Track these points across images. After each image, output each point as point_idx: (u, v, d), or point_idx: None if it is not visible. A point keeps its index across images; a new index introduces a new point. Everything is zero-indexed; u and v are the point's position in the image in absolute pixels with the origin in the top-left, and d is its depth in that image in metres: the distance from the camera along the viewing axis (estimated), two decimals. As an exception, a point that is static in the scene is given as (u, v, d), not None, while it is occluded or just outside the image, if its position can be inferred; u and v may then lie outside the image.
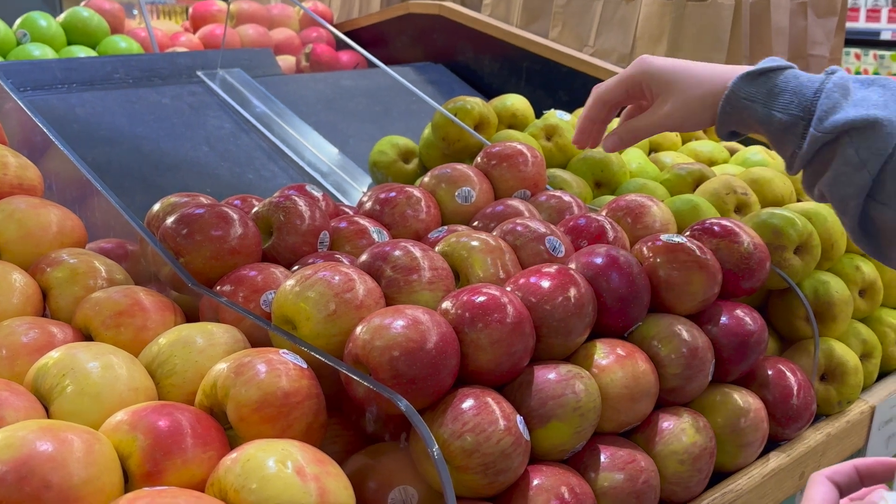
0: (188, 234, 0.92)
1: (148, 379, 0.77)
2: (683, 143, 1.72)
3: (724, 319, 0.97)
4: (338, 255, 0.95)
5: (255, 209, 1.02)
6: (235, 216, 0.95)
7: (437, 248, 0.93)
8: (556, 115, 1.62)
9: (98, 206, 1.07)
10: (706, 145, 1.66)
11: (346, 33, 2.33)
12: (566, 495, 0.76)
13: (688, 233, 1.05)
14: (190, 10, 2.53)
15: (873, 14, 4.38)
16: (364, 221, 1.05)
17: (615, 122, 1.00)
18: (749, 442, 0.95)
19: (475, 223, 1.10)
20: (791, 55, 2.09)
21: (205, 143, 1.61)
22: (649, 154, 1.64)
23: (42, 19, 2.10)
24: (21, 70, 1.65)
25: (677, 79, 0.84)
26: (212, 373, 0.74)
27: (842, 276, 1.17)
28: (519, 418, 0.76)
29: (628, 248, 1.03)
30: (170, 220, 0.94)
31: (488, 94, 2.02)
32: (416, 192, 1.12)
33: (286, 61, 2.35)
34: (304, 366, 0.75)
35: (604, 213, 1.11)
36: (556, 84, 2.01)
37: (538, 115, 1.62)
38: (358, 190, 1.59)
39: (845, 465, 0.62)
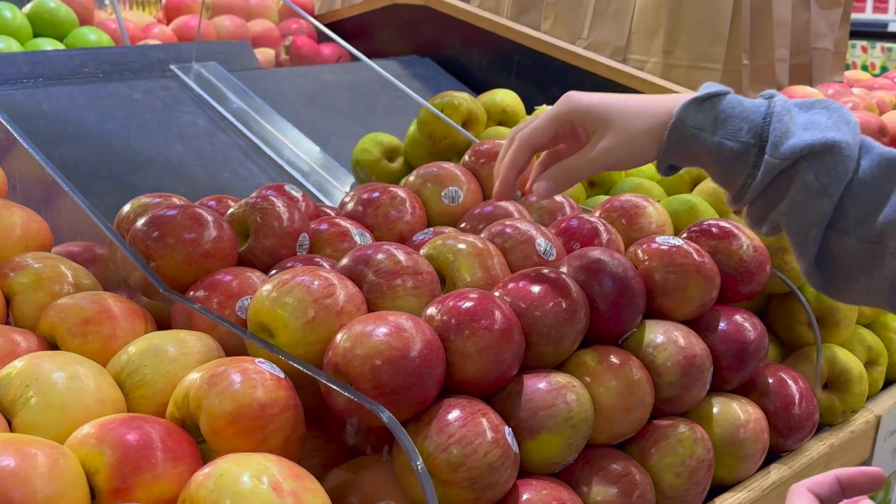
0: (160, 237, 0.92)
1: (116, 390, 0.77)
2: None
3: (722, 325, 0.97)
4: (317, 259, 0.95)
5: (230, 210, 1.01)
6: (210, 218, 0.94)
7: (422, 251, 0.93)
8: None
9: (65, 208, 1.06)
10: (705, 143, 1.67)
11: (327, 25, 2.32)
12: (557, 510, 0.76)
13: (685, 235, 1.05)
14: (163, 0, 2.53)
15: (881, 4, 4.41)
16: (346, 223, 1.05)
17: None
18: (749, 454, 0.95)
19: (462, 225, 1.10)
20: (794, 48, 2.11)
21: (178, 141, 1.60)
22: (645, 152, 1.65)
23: (6, 10, 2.09)
24: (-16, 63, 1.65)
25: (616, 112, 0.81)
26: (184, 383, 0.74)
27: (846, 280, 1.18)
28: (507, 430, 0.76)
29: (623, 251, 1.03)
30: (140, 221, 0.94)
31: (477, 89, 2.02)
32: (401, 193, 1.12)
33: (265, 54, 2.35)
34: (282, 375, 0.75)
35: (597, 215, 1.11)
36: (548, 79, 2.01)
37: (529, 111, 1.62)
38: (340, 190, 1.59)
39: (826, 476, 0.63)
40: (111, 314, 0.86)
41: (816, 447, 1.05)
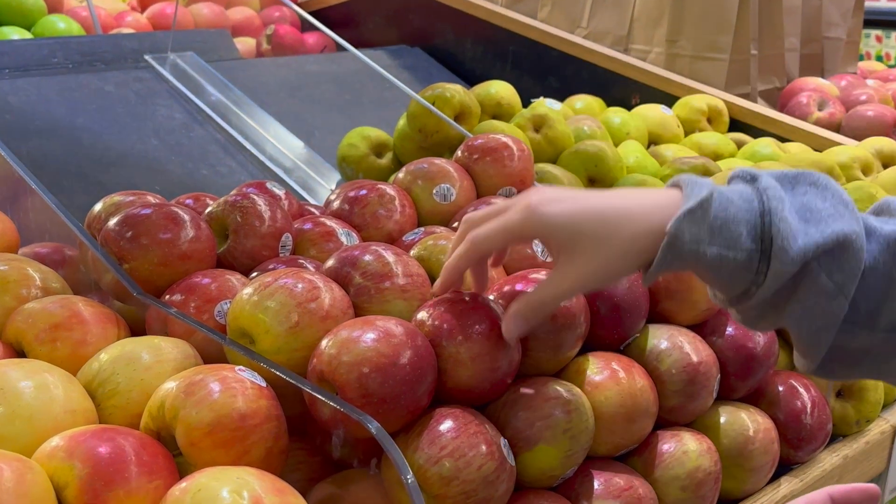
0: (133, 238, 0.92)
1: (87, 400, 0.77)
2: (686, 134, 1.73)
3: (729, 330, 0.97)
4: (301, 261, 0.95)
5: (208, 209, 1.01)
6: (187, 217, 0.94)
7: (412, 252, 0.93)
8: (545, 104, 1.62)
9: (32, 206, 1.06)
10: (711, 137, 1.68)
11: (311, 13, 2.32)
12: (555, 526, 0.76)
13: (690, 234, 1.05)
14: (137, -14, 2.53)
15: (896, -8, 4.42)
16: (331, 223, 1.05)
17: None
18: (758, 466, 0.95)
19: (455, 224, 1.10)
20: (805, 37, 2.11)
21: (153, 136, 1.60)
22: (648, 147, 1.65)
23: (-30, -3, 2.09)
24: (-54, 53, 1.64)
25: (587, 232, 0.73)
26: (159, 392, 0.74)
27: (860, 282, 1.18)
28: (503, 441, 0.76)
29: (624, 252, 1.03)
30: (113, 221, 0.94)
31: (470, 81, 2.03)
32: (390, 190, 1.12)
33: (245, 44, 2.35)
34: (263, 384, 0.75)
35: (597, 213, 1.11)
36: (546, 69, 2.01)
37: (525, 103, 1.63)
38: (325, 187, 1.59)
39: (819, 494, 0.63)
40: (81, 319, 0.86)
41: (829, 459, 1.06)
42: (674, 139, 1.70)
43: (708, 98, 1.79)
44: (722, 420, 0.95)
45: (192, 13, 2.39)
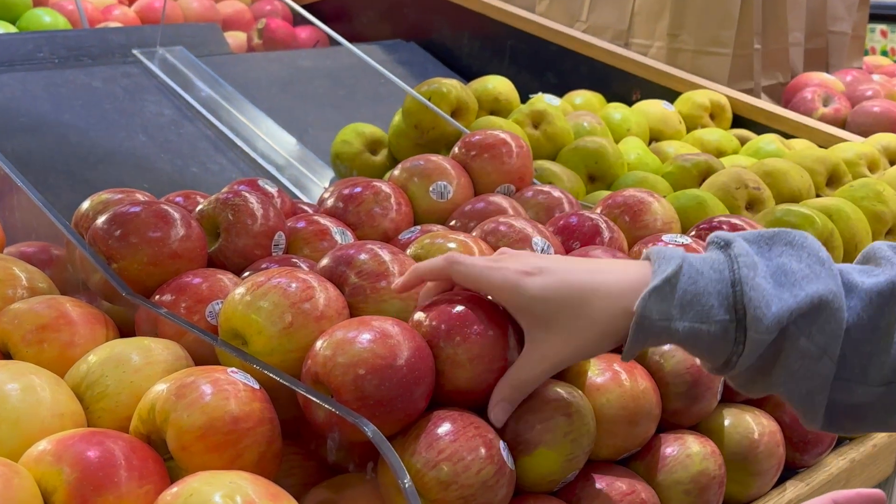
0: (122, 236, 0.91)
1: (75, 402, 0.77)
2: (688, 130, 1.73)
3: (734, 331, 0.97)
4: (295, 260, 0.95)
5: (199, 207, 1.01)
6: (177, 215, 0.94)
7: (408, 251, 0.93)
8: (544, 100, 1.62)
9: (18, 205, 1.06)
10: (713, 134, 1.68)
11: (304, 6, 2.32)
12: (556, 532, 0.76)
13: (693, 233, 1.05)
14: (125, -21, 2.52)
15: (902, -14, 4.43)
16: (325, 221, 1.04)
17: None
18: (763, 469, 0.95)
19: (452, 222, 1.10)
20: (809, 32, 2.12)
21: (142, 132, 1.60)
22: (649, 144, 1.65)
23: (-47, -10, 2.08)
24: (-72, 48, 1.64)
25: (563, 315, 0.75)
26: (149, 395, 0.73)
27: (866, 282, 1.18)
28: (502, 444, 0.76)
29: (626, 251, 1.03)
30: (101, 220, 0.94)
31: (467, 76, 2.03)
32: (385, 188, 1.12)
33: (236, 38, 2.34)
34: (256, 386, 0.75)
35: (598, 211, 1.11)
36: (544, 65, 2.01)
37: (524, 99, 1.63)
38: (318, 185, 1.59)
39: (823, 499, 0.63)
40: (69, 320, 0.86)
41: (836, 462, 1.06)
42: (676, 136, 1.70)
43: (710, 93, 1.80)
44: (726, 423, 0.95)
45: (181, 7, 2.39)
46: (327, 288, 0.82)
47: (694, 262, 0.73)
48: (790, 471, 1.02)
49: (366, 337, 0.74)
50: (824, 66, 2.19)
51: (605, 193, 1.30)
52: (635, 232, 1.08)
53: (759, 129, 1.78)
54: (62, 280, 0.99)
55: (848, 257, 1.17)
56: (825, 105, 1.95)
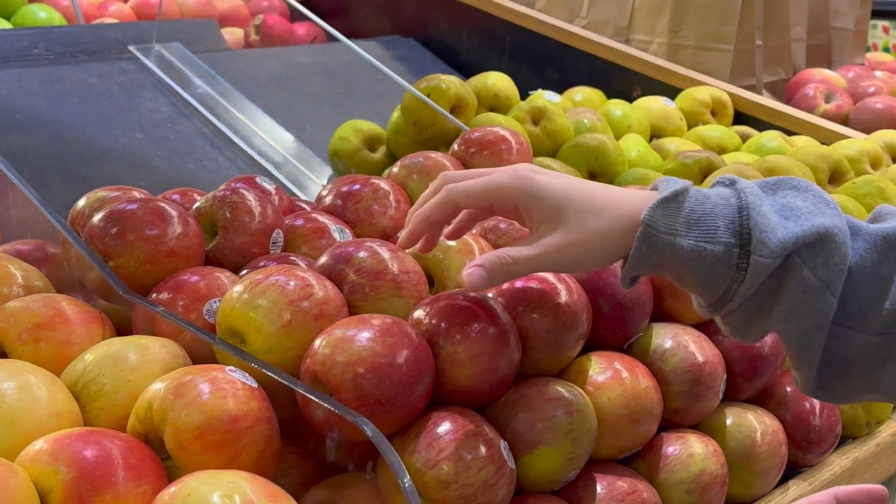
0: (119, 234, 0.91)
1: (72, 402, 0.77)
2: (689, 127, 1.73)
3: (736, 329, 0.97)
4: (293, 258, 0.95)
5: (196, 205, 1.01)
6: (174, 213, 0.94)
7: (407, 249, 0.93)
8: (543, 97, 1.62)
9: (13, 202, 1.06)
10: (715, 130, 1.68)
11: (301, 2, 2.32)
12: (557, 532, 0.76)
13: (695, 230, 1.05)
14: (120, -25, 2.52)
15: (904, -19, 4.43)
16: (323, 218, 1.04)
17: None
18: (765, 469, 0.95)
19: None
20: (811, 27, 2.12)
21: (138, 129, 1.60)
22: (650, 141, 1.65)
23: (-54, -14, 2.08)
24: (-78, 44, 1.64)
25: (571, 206, 0.74)
26: (146, 394, 0.73)
27: (869, 279, 1.18)
28: (503, 444, 0.76)
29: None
30: (97, 217, 0.93)
31: (466, 73, 2.02)
32: (384, 185, 1.12)
33: (233, 34, 2.34)
34: (255, 385, 0.75)
35: (599, 208, 1.11)
36: (544, 61, 2.01)
37: (523, 95, 1.63)
38: (316, 182, 1.59)
39: (824, 495, 0.63)
40: (65, 318, 0.86)
41: (839, 461, 1.06)
42: (677, 132, 1.70)
43: (712, 90, 1.80)
44: (728, 422, 0.95)
45: (178, 2, 2.39)
46: (326, 286, 0.82)
47: (701, 189, 0.74)
48: (793, 470, 1.02)
49: (365, 335, 0.74)
50: (826, 63, 2.19)
51: (606, 191, 1.30)
52: (636, 229, 1.08)
53: (761, 125, 1.78)
54: (58, 278, 0.99)
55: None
56: (827, 101, 1.95)
